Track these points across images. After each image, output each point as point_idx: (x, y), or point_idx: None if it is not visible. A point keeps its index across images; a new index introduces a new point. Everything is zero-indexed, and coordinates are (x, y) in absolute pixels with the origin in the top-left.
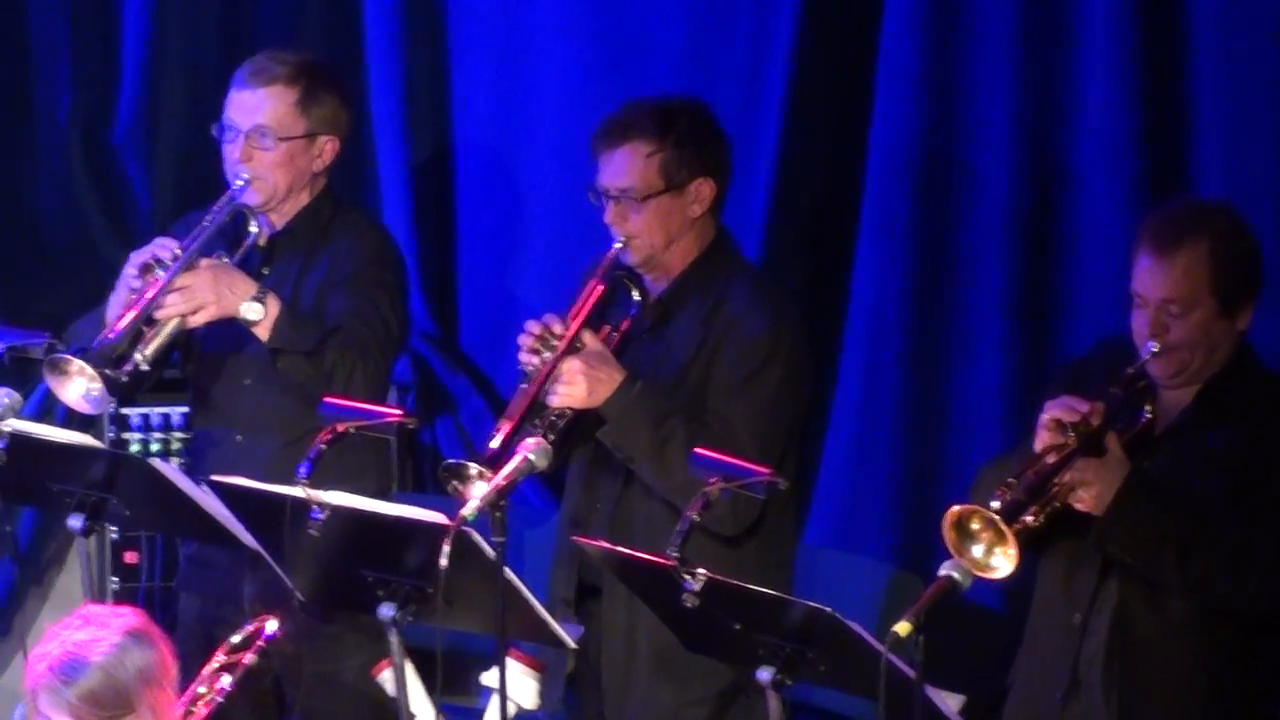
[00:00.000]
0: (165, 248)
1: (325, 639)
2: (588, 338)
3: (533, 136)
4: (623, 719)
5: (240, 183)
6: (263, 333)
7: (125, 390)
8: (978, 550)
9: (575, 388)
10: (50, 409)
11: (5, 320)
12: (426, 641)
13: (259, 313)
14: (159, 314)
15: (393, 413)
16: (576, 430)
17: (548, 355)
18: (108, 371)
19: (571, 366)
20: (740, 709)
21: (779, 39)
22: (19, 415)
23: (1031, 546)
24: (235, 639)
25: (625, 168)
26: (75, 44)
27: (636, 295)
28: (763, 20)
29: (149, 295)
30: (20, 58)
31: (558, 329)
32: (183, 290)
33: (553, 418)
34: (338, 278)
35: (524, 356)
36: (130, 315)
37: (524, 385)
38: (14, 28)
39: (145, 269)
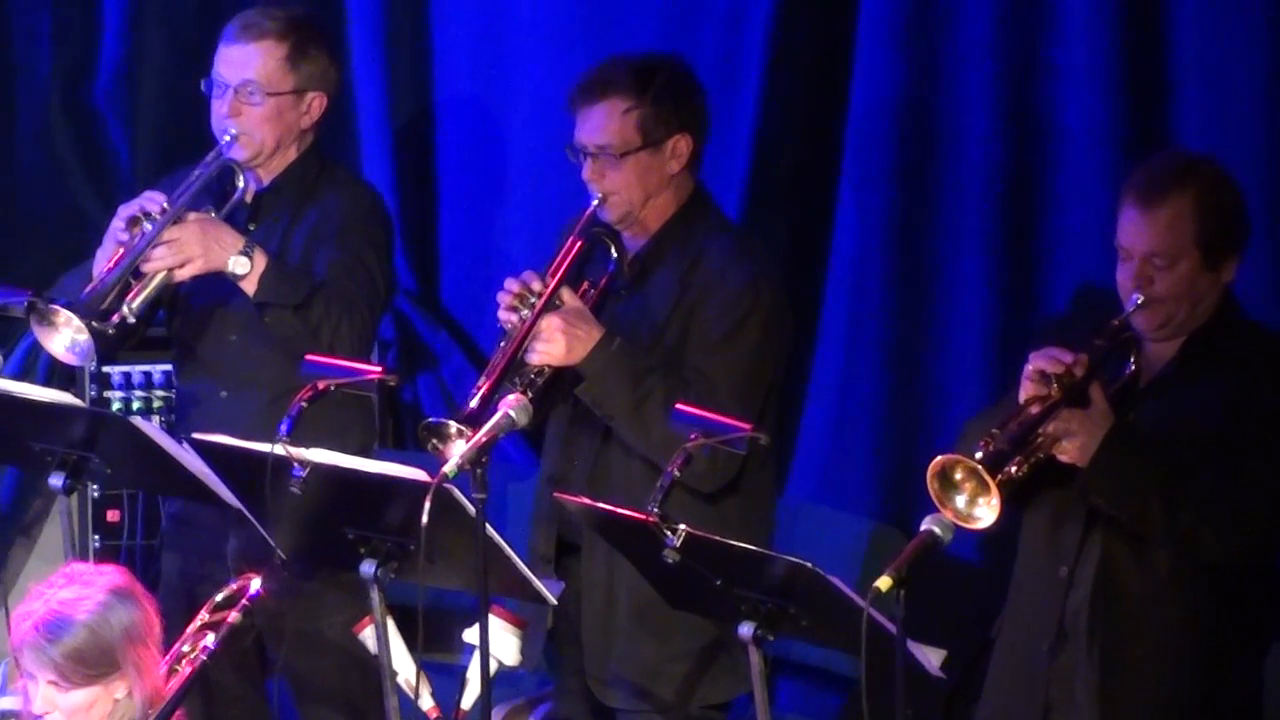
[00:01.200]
0: (154, 201)
1: (308, 597)
2: (566, 295)
3: (513, 93)
4: (604, 674)
5: (228, 138)
6: (249, 287)
7: (111, 343)
8: (961, 501)
9: (554, 345)
10: (30, 367)
11: None
12: (408, 599)
13: (246, 266)
14: (146, 266)
15: (373, 370)
16: (555, 387)
17: (526, 313)
18: (94, 323)
19: (550, 324)
20: (722, 664)
21: None
22: None
23: (1016, 499)
24: (219, 597)
25: (603, 124)
26: (56, 1)
27: (614, 252)
28: None
29: (137, 246)
30: (0, 15)
31: (536, 286)
32: (170, 243)
33: (532, 375)
34: (325, 233)
35: (503, 314)
36: (116, 265)
37: (503, 343)
38: None
39: (133, 222)
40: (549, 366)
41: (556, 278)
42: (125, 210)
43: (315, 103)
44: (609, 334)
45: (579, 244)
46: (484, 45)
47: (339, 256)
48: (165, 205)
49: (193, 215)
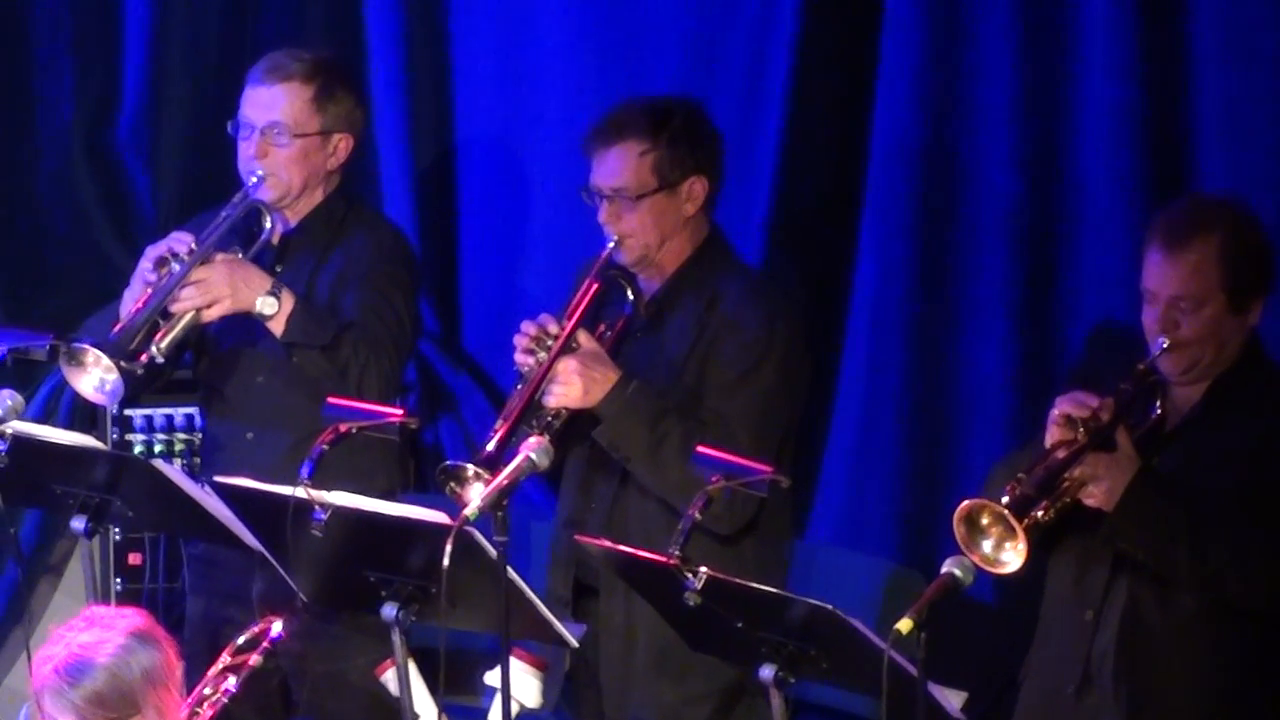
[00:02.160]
0: (181, 242)
1: (331, 639)
2: (583, 337)
3: (535, 135)
4: (624, 716)
5: (255, 179)
6: (277, 327)
7: (139, 384)
8: (987, 545)
9: (571, 388)
10: (53, 410)
11: (7, 321)
12: (430, 641)
13: (273, 307)
14: (174, 307)
15: (394, 413)
16: (572, 430)
17: (543, 355)
18: (123, 363)
19: (567, 366)
20: (743, 707)
21: (780, 34)
22: (21, 417)
23: (1042, 543)
24: (241, 640)
25: (619, 167)
26: (77, 42)
27: (630, 294)
28: (763, 16)
29: (165, 287)
30: (23, 56)
31: (553, 329)
32: (198, 284)
33: (549, 418)
34: (352, 275)
35: (519, 357)
36: (146, 305)
37: (520, 386)
38: (16, 26)
39: (161, 263)
40: (566, 409)
41: (573, 320)
42: (153, 251)
43: (342, 144)
44: (626, 376)
45: (595, 286)
46: (505, 88)
47: (366, 298)
48: (193, 246)
49: (220, 256)
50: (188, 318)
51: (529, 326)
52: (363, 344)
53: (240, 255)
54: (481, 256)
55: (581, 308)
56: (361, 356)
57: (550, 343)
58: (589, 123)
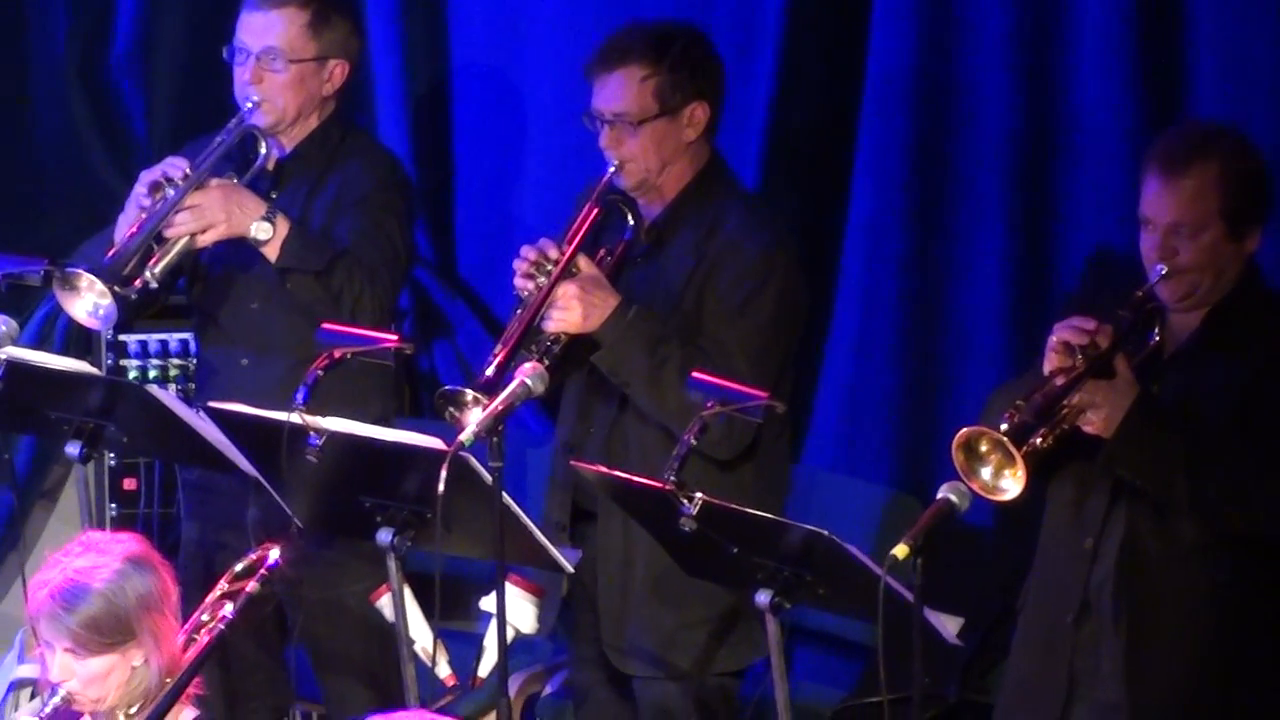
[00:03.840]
0: (176, 167)
1: (326, 565)
2: (583, 262)
3: (530, 60)
4: (620, 642)
5: (250, 105)
6: (271, 252)
7: (133, 309)
8: (986, 472)
9: (570, 313)
10: (47, 336)
11: (1, 247)
12: (425, 567)
13: (268, 232)
14: (169, 231)
15: (389, 338)
16: (571, 355)
17: (543, 280)
18: (117, 288)
19: (566, 291)
20: (739, 632)
21: None
22: (16, 343)
23: (1041, 470)
24: (238, 567)
25: (620, 92)
26: None
27: (631, 219)
28: None
29: (159, 212)
30: None
31: (553, 254)
32: (193, 208)
33: (548, 343)
34: (346, 201)
35: (519, 281)
36: (140, 230)
37: (519, 310)
38: None
39: (155, 187)
40: (565, 334)
41: (573, 245)
42: (148, 176)
43: (337, 70)
44: (625, 301)
45: (595, 211)
46: (500, 13)
47: (361, 224)
48: (188, 171)
49: (215, 181)
50: (182, 243)
51: (528, 251)
52: (357, 269)
53: (235, 181)
54: (476, 182)
55: (581, 233)
56: (355, 282)
57: (550, 268)
58: (585, 47)
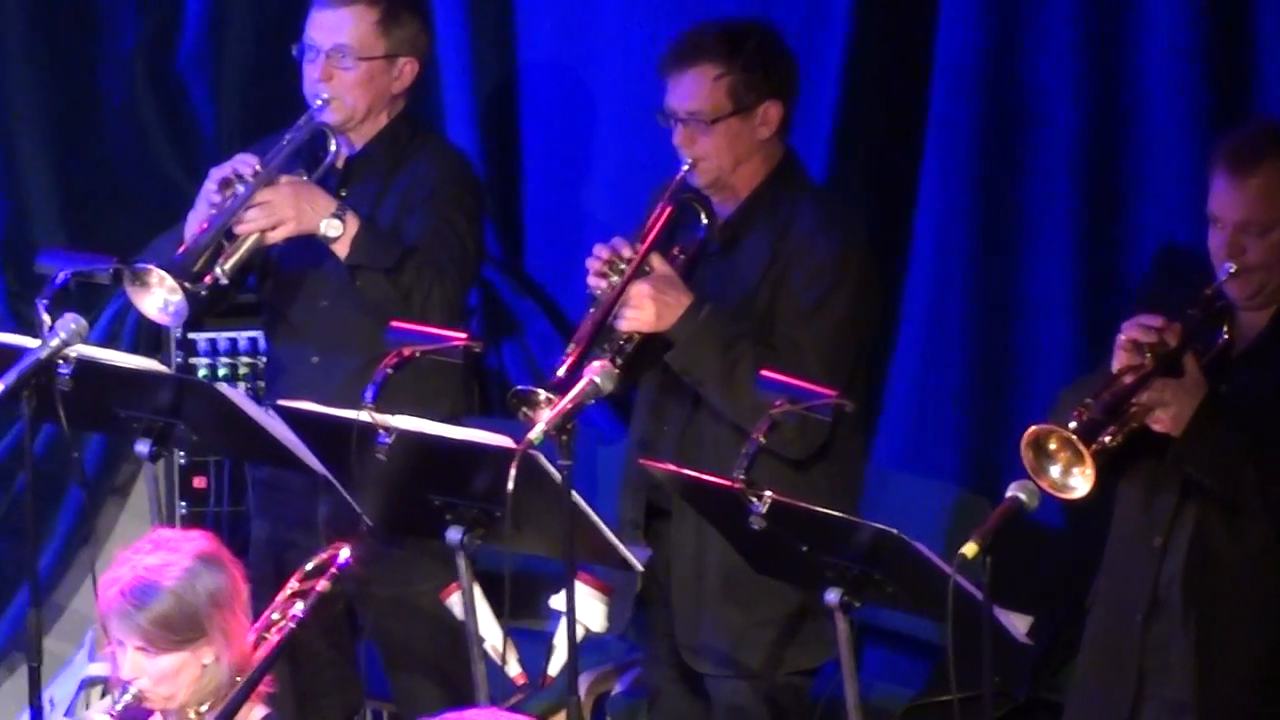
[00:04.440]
0: (246, 164)
1: (397, 563)
2: (656, 261)
3: (598, 57)
4: (693, 641)
5: (320, 102)
6: (341, 249)
7: (203, 305)
8: (1055, 470)
9: (643, 312)
10: (116, 334)
11: (70, 246)
12: (495, 565)
13: (338, 229)
14: (239, 228)
15: (458, 336)
16: (644, 354)
17: (616, 279)
18: (187, 284)
19: (639, 290)
20: (809, 631)
21: None
22: (85, 341)
23: (1110, 468)
24: (309, 566)
25: (694, 90)
26: None
27: (704, 218)
28: None
29: (229, 208)
30: None
31: (626, 252)
32: (263, 205)
33: (620, 342)
34: (416, 199)
35: (592, 280)
36: (210, 227)
37: (592, 310)
38: None
39: (225, 184)
40: (638, 333)
41: (646, 244)
42: (218, 172)
43: (407, 68)
44: (698, 300)
45: (669, 210)
46: (569, 9)
47: (430, 222)
48: (258, 167)
49: (285, 178)
50: (252, 239)
51: (602, 250)
52: (426, 268)
53: (305, 178)
54: (545, 180)
55: (655, 231)
56: (425, 280)
57: (623, 266)
58: (653, 43)
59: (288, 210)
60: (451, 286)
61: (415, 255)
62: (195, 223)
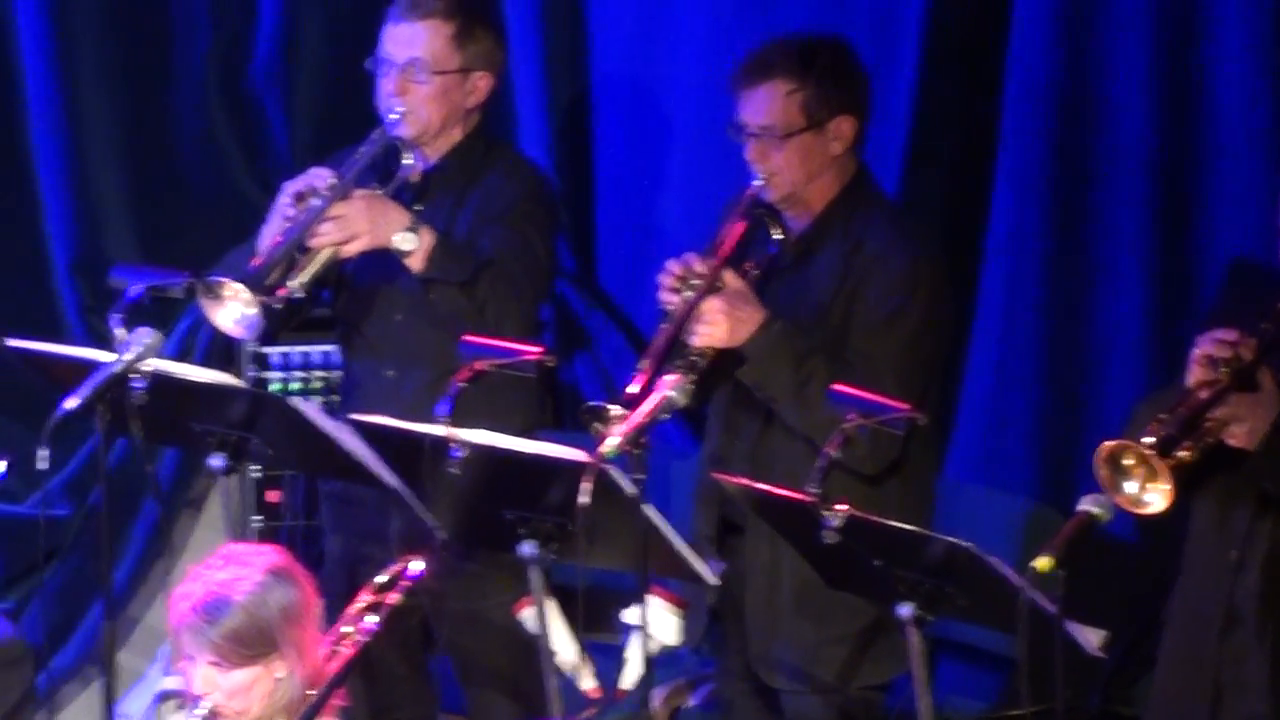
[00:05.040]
0: (320, 177)
1: (470, 577)
2: (729, 277)
3: (671, 72)
4: (767, 656)
5: (394, 116)
6: (416, 264)
7: (277, 319)
8: (1131, 486)
9: (716, 327)
10: (189, 348)
11: (144, 260)
12: (569, 579)
13: (413, 243)
14: (313, 242)
15: (532, 350)
16: (717, 369)
17: (689, 294)
18: (261, 297)
19: (712, 306)
20: (882, 645)
21: None
22: (159, 355)
23: (1186, 483)
24: (381, 578)
25: (766, 105)
26: None
27: (777, 233)
28: None
29: (303, 221)
30: None
31: (699, 268)
32: (337, 219)
33: (693, 357)
34: (491, 213)
35: (664, 295)
36: (284, 240)
37: (664, 325)
38: None
39: (299, 197)
40: (711, 349)
41: (719, 259)
42: (292, 186)
43: (481, 82)
44: (771, 316)
45: (742, 225)
46: (642, 25)
47: (505, 236)
48: (332, 181)
49: (360, 191)
50: (326, 254)
51: (674, 265)
52: (501, 282)
53: (379, 192)
54: (617, 193)
55: (728, 246)
56: (499, 294)
57: (696, 281)
58: (725, 57)
59: (362, 224)
60: (526, 301)
61: (490, 269)
62: (269, 236)
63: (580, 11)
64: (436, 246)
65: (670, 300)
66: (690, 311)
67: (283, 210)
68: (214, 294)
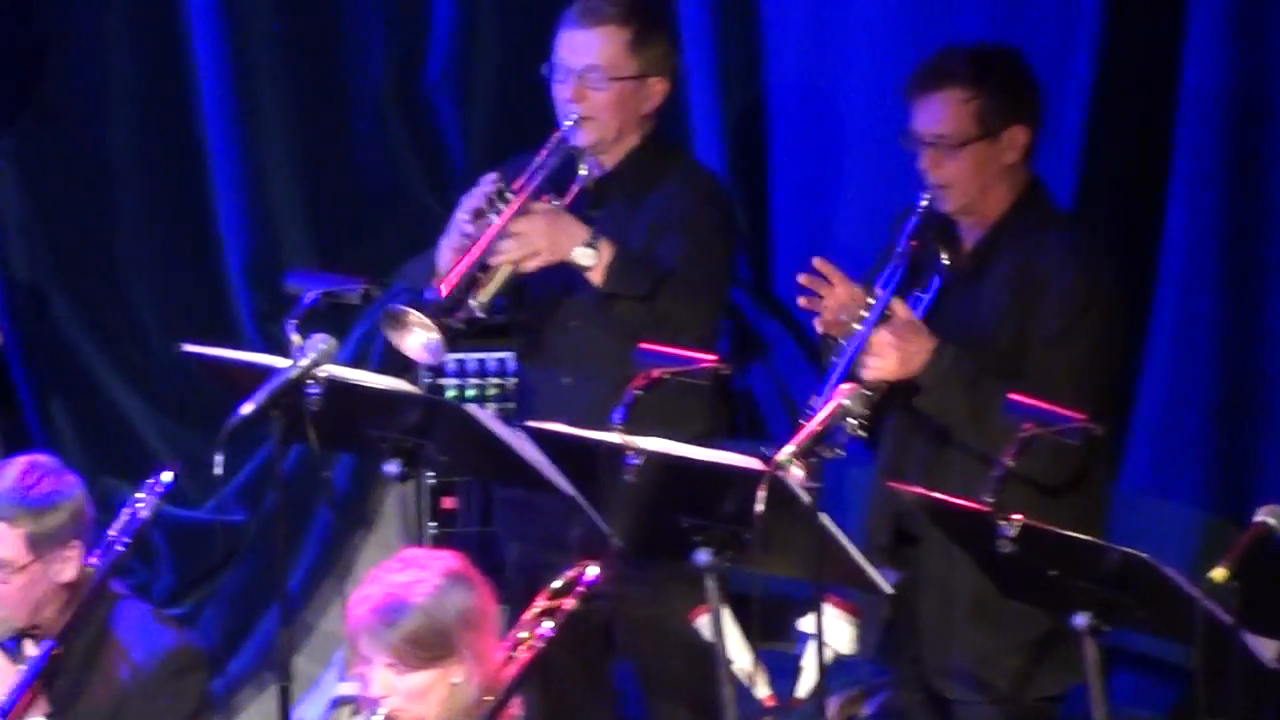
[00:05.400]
0: (491, 184)
1: (651, 584)
2: (897, 306)
3: (846, 79)
4: (942, 665)
5: (570, 123)
6: (596, 277)
7: (456, 334)
8: None
9: (887, 360)
10: (365, 354)
11: (319, 267)
12: (745, 587)
13: (591, 258)
14: (493, 260)
15: (707, 358)
16: (892, 391)
17: (857, 326)
18: (445, 321)
19: (882, 339)
20: (1057, 655)
21: None
22: (334, 361)
23: None
24: (556, 584)
25: (940, 114)
26: None
27: (945, 257)
28: None
29: (483, 242)
30: (333, 3)
31: (864, 299)
32: (517, 236)
33: (866, 392)
34: (669, 221)
35: (823, 323)
36: (465, 262)
37: (835, 358)
38: None
39: (477, 214)
40: (883, 381)
41: (889, 290)
42: (469, 202)
43: (657, 87)
44: (941, 344)
45: (911, 246)
46: (818, 30)
47: (685, 246)
48: (508, 195)
49: (539, 206)
50: (506, 270)
51: (828, 293)
52: (681, 293)
53: (556, 203)
54: (793, 202)
55: (897, 276)
56: (680, 306)
57: (864, 313)
58: (902, 64)
59: (541, 241)
60: (706, 311)
61: (670, 280)
62: (448, 252)
63: (755, 17)
64: (616, 260)
65: (831, 328)
66: (861, 345)
67: (460, 227)
68: (398, 323)
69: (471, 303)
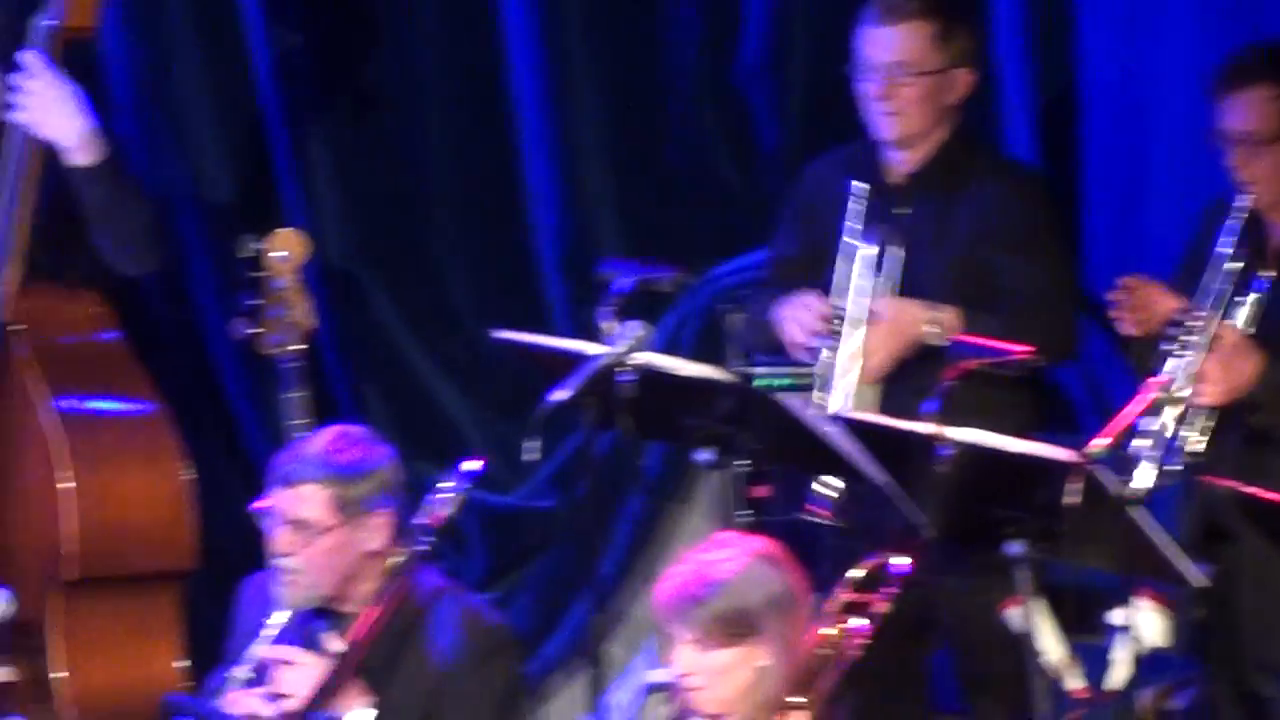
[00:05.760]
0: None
1: (964, 575)
2: (1226, 331)
3: (1160, 69)
4: (1262, 663)
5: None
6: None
7: None
8: None
9: (1218, 386)
10: (676, 341)
11: (632, 256)
12: (1057, 578)
13: (939, 338)
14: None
15: (1019, 349)
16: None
17: (1186, 353)
18: None
19: (1213, 365)
20: None
21: None
22: (648, 348)
23: None
24: (859, 575)
25: (1249, 110)
26: None
27: (1265, 273)
28: None
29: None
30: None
31: (1193, 320)
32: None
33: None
34: (1010, 241)
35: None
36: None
37: (1152, 380)
38: None
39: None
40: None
41: (1217, 314)
42: (806, 324)
43: (964, 79)
44: (1270, 362)
45: (1238, 255)
46: (1132, 20)
47: (1036, 263)
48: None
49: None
50: None
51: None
52: (1043, 315)
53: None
54: (1105, 197)
55: (1225, 297)
56: (1043, 327)
57: (1195, 338)
58: (1214, 65)
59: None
60: (1064, 324)
61: (1026, 311)
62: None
63: (1068, 12)
64: (964, 326)
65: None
66: (1188, 369)
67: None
68: None
69: None
